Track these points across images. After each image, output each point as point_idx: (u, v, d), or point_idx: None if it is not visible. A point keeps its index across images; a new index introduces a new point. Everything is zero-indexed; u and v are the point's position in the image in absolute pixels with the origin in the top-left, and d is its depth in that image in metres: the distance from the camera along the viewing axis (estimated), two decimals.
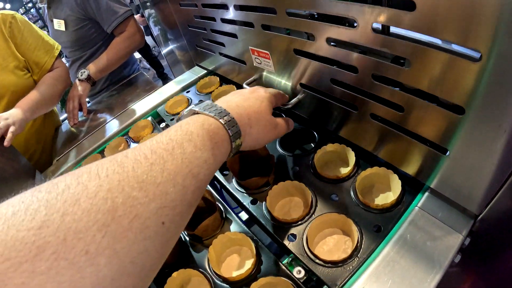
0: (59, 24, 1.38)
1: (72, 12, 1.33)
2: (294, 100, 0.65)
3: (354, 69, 0.49)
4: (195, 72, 1.11)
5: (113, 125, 1.08)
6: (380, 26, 0.42)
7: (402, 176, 0.54)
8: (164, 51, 1.34)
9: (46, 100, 1.15)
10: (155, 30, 1.32)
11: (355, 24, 0.43)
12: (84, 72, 1.25)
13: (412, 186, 0.54)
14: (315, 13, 0.57)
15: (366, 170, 0.57)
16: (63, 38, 1.41)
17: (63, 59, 1.33)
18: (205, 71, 1.08)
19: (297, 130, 0.71)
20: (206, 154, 0.37)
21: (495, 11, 0.27)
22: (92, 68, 1.27)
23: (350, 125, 0.59)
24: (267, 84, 0.76)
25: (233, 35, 0.74)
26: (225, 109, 0.44)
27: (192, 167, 0.34)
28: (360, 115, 0.55)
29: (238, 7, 0.66)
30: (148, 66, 4.08)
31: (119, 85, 1.45)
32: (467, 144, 0.39)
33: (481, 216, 0.45)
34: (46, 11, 1.44)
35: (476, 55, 0.31)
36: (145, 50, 3.59)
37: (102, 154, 0.97)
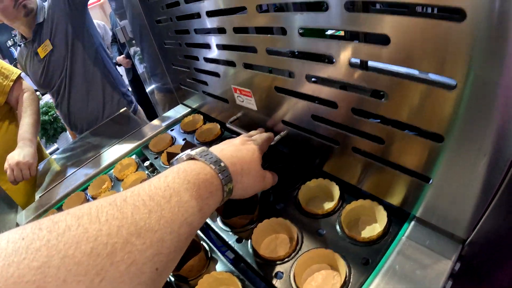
0: (45, 47, 1.38)
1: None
2: (277, 138, 0.64)
3: (333, 104, 0.49)
4: (179, 111, 1.10)
5: (97, 163, 1.04)
6: (358, 61, 0.43)
7: (388, 207, 0.52)
8: (148, 89, 1.34)
9: (37, 121, 1.26)
10: (140, 68, 1.32)
11: (334, 61, 0.44)
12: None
13: (398, 216, 0.52)
14: (295, 51, 0.58)
15: (351, 203, 0.55)
16: (52, 58, 1.41)
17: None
18: (189, 109, 1.08)
19: (280, 167, 0.70)
20: (201, 203, 0.38)
21: (467, 40, 0.28)
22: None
23: (332, 159, 0.59)
24: (250, 122, 0.75)
25: (216, 74, 0.75)
26: (220, 158, 0.46)
27: (187, 215, 0.35)
28: (342, 149, 0.54)
29: (221, 47, 0.67)
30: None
31: (104, 122, 1.43)
32: (449, 170, 0.39)
33: (469, 240, 0.43)
34: (25, 48, 1.44)
35: (452, 82, 0.31)
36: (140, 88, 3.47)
37: (85, 192, 0.93)
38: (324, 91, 0.50)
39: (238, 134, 0.73)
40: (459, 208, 0.41)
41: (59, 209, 0.92)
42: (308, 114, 0.56)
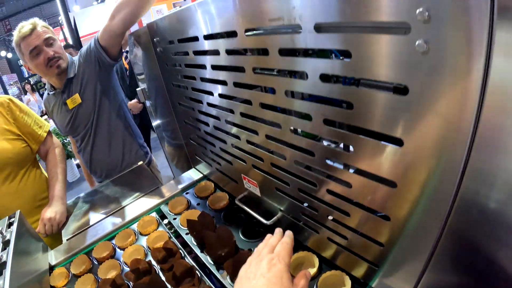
0: (74, 100, 1.57)
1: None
2: (274, 219, 0.87)
3: (315, 210, 0.73)
4: (193, 175, 1.33)
5: (121, 215, 1.24)
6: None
7: (353, 277, 0.74)
8: (167, 151, 1.56)
9: (64, 177, 1.46)
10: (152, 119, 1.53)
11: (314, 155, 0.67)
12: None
13: (361, 285, 0.74)
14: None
15: (326, 272, 0.77)
16: (80, 110, 1.59)
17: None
18: (201, 175, 1.30)
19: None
20: None
21: None
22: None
23: (314, 240, 0.81)
24: (253, 199, 0.98)
25: (230, 163, 0.98)
26: None
27: None
28: (320, 236, 0.77)
29: (236, 148, 0.91)
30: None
31: (123, 173, 1.63)
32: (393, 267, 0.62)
33: None
34: (54, 97, 1.62)
35: (393, 185, 0.52)
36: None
37: (112, 242, 1.11)
38: (308, 189, 0.73)
39: (246, 212, 0.96)
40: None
41: (88, 253, 1.11)
42: (298, 210, 0.79)
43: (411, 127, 0.44)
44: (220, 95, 0.86)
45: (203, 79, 0.91)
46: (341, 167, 0.62)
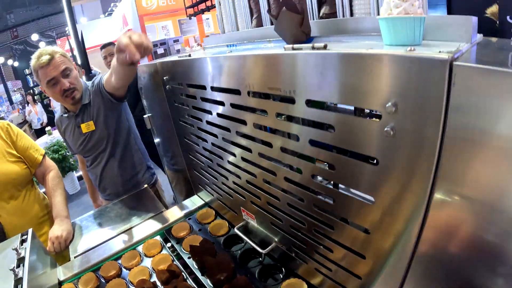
0: (88, 126, 1.69)
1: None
2: (269, 248, 0.98)
3: (304, 244, 0.84)
4: (195, 202, 1.45)
5: (126, 237, 1.34)
6: None
7: None
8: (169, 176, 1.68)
9: (65, 197, 1.57)
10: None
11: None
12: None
13: None
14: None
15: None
16: (94, 136, 1.71)
17: None
18: (203, 202, 1.42)
19: (269, 265, 1.03)
20: None
21: None
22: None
23: (303, 269, 0.92)
24: (250, 229, 1.09)
25: (231, 195, 1.10)
26: None
27: None
28: (309, 266, 0.88)
29: (238, 185, 1.03)
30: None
31: (129, 195, 1.75)
32: None
33: None
34: (67, 118, 1.73)
35: (367, 232, 0.64)
36: None
37: (118, 262, 1.21)
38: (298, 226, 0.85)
39: (242, 240, 1.08)
40: None
41: (95, 271, 1.21)
42: (290, 244, 0.91)
43: (381, 187, 0.57)
44: (224, 139, 0.99)
45: (209, 122, 1.04)
46: (325, 213, 0.74)
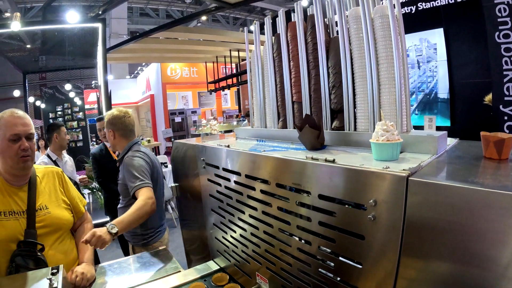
0: None
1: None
2: None
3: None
4: (211, 266, 1.77)
5: None
6: None
7: None
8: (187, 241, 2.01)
9: (93, 248, 1.85)
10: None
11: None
12: (114, 227, 1.81)
13: None
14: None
15: None
16: None
17: None
18: (218, 267, 1.73)
19: None
20: None
21: None
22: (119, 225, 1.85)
23: None
24: None
25: (248, 261, 1.43)
26: None
27: None
28: None
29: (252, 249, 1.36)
30: None
31: (148, 252, 2.07)
32: None
33: None
34: None
35: None
36: None
37: None
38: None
39: None
40: None
41: None
42: None
43: (367, 255, 0.92)
44: (250, 215, 1.37)
45: (238, 201, 1.43)
46: (330, 275, 1.07)
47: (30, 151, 1.66)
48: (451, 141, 1.27)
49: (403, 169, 0.85)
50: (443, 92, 3.63)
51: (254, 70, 1.75)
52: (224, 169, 1.51)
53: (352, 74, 1.29)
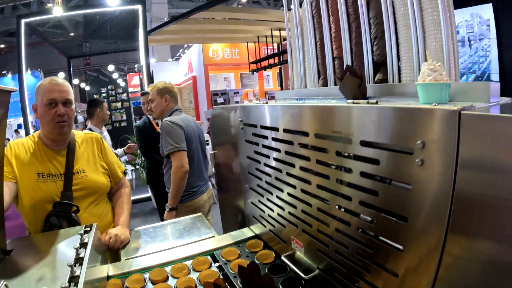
0: None
1: None
2: (311, 275, 1.22)
3: (346, 268, 1.08)
4: (246, 233, 1.75)
5: (177, 252, 1.64)
6: None
7: None
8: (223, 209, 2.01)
9: (129, 212, 1.95)
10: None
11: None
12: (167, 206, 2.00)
13: None
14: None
15: None
16: None
17: None
18: (253, 234, 1.71)
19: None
20: None
21: None
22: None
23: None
24: (296, 259, 1.34)
25: (283, 225, 1.38)
26: None
27: None
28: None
29: (293, 215, 1.31)
30: None
31: (185, 218, 2.11)
32: None
33: None
34: None
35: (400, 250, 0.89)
36: None
37: (167, 270, 1.49)
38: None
39: (286, 271, 1.33)
40: None
41: (143, 273, 1.48)
42: (332, 269, 1.15)
43: (413, 207, 0.83)
44: (287, 173, 1.31)
45: (276, 159, 1.38)
46: (371, 233, 0.99)
47: (66, 117, 1.72)
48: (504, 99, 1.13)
49: (455, 105, 0.75)
50: (497, 73, 3.33)
51: (293, 30, 1.68)
52: (262, 127, 1.47)
53: (395, 23, 1.20)
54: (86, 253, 1.21)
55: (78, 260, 1.17)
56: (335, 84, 1.42)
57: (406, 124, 0.83)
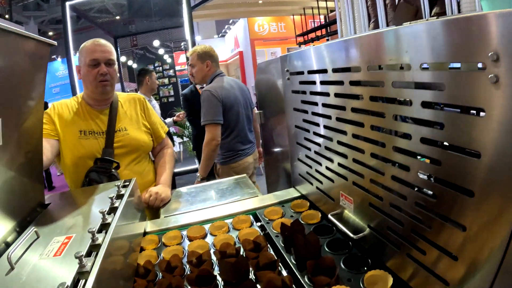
0: None
1: None
2: (361, 235, 1.10)
3: (401, 224, 0.95)
4: (291, 193, 1.66)
5: (218, 210, 1.59)
6: None
7: None
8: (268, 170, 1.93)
9: (172, 172, 1.96)
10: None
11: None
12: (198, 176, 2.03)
13: None
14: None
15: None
16: None
17: None
18: (299, 194, 1.61)
19: (356, 255, 1.13)
20: None
21: None
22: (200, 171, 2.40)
23: (393, 259, 1.02)
24: (343, 218, 1.23)
25: (332, 180, 1.27)
26: None
27: None
28: (401, 253, 0.98)
29: (340, 165, 1.19)
30: None
31: (230, 178, 2.09)
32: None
33: None
34: None
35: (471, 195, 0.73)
36: None
37: (205, 227, 1.45)
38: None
39: (332, 231, 1.22)
40: None
41: (181, 230, 1.44)
42: (385, 226, 1.02)
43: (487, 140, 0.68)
44: (338, 119, 1.18)
45: (325, 105, 1.25)
46: (428, 179, 0.85)
47: (108, 77, 1.74)
48: None
49: None
50: None
51: None
52: (310, 71, 1.34)
53: None
54: (121, 204, 1.19)
55: (112, 210, 1.16)
56: (388, 25, 1.25)
57: (474, 35, 0.66)
